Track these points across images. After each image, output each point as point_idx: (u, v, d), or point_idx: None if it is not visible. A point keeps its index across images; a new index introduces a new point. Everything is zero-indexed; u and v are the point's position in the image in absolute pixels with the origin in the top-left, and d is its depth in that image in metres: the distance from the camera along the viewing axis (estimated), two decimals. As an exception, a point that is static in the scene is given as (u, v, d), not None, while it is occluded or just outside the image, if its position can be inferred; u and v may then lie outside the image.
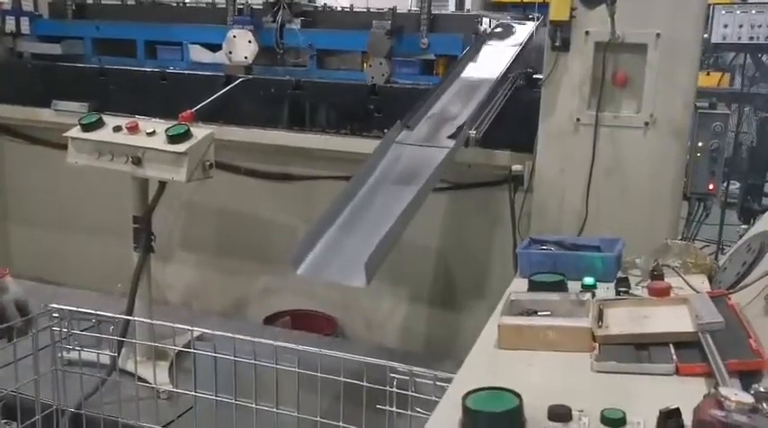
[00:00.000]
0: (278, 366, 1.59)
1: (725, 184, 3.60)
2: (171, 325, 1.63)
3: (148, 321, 1.79)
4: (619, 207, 2.11)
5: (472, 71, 2.58)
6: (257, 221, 2.99)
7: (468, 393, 0.93)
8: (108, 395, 1.84)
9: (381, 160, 2.26)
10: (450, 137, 2.26)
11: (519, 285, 1.41)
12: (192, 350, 1.64)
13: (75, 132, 2.23)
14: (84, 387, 1.81)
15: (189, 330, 1.67)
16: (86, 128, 2.22)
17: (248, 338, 1.60)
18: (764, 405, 0.84)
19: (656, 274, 1.38)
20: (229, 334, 1.60)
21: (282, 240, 2.82)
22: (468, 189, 2.66)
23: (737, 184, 3.84)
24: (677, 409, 0.86)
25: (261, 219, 2.99)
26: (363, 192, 2.18)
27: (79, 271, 3.17)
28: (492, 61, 2.59)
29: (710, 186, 2.13)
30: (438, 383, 1.45)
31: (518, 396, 0.91)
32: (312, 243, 1.98)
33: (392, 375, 1.51)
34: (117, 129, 2.19)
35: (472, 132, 2.20)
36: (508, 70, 2.47)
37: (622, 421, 0.88)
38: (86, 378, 1.80)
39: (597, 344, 1.09)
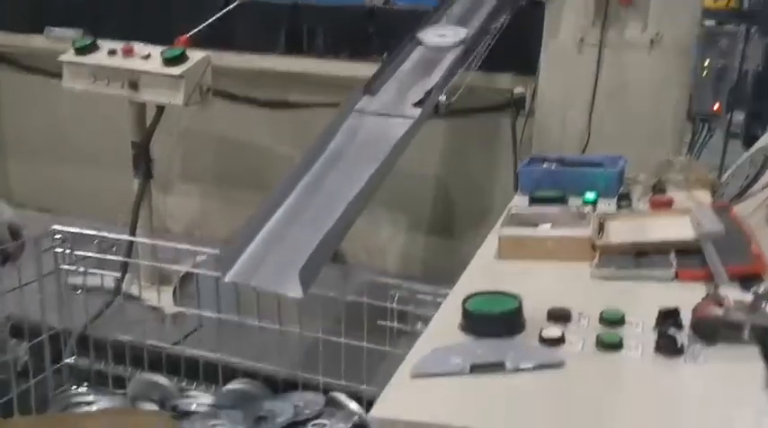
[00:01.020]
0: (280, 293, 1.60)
1: (728, 116, 3.55)
2: (174, 245, 1.65)
3: (152, 242, 1.80)
4: (622, 129, 2.09)
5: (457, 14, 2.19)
6: (256, 150, 2.97)
7: (468, 297, 0.93)
8: (113, 318, 1.87)
9: (336, 134, 1.90)
10: (416, 104, 1.90)
11: (519, 202, 1.41)
12: (196, 270, 1.65)
13: (70, 56, 2.20)
14: (89, 310, 1.85)
15: (192, 252, 1.68)
16: (80, 51, 2.18)
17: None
18: (764, 304, 0.84)
19: (659, 189, 1.37)
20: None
21: (281, 169, 2.80)
22: (468, 114, 2.63)
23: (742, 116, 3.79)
24: (676, 309, 0.87)
25: (260, 148, 2.97)
26: (313, 173, 1.82)
27: (80, 202, 3.16)
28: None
29: (715, 106, 2.10)
30: (438, 299, 1.46)
31: (517, 298, 0.92)
32: (245, 242, 1.60)
33: (393, 292, 1.53)
34: (112, 52, 2.15)
35: (442, 97, 1.86)
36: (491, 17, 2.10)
37: (621, 320, 0.89)
38: (91, 302, 1.83)
39: (597, 254, 1.09)
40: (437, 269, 3.07)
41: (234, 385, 1.70)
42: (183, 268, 1.69)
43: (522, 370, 0.81)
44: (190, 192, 3.10)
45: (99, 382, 1.74)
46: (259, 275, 1.51)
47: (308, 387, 1.64)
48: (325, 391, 1.62)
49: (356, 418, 1.52)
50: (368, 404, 1.54)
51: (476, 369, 0.81)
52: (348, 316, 1.62)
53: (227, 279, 1.49)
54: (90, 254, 1.68)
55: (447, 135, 2.68)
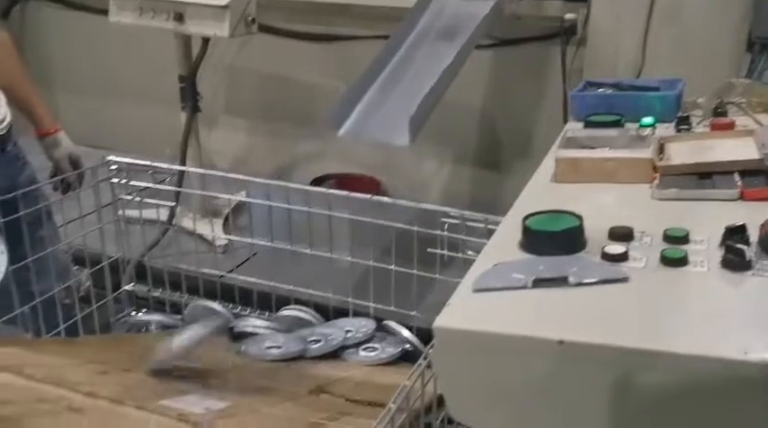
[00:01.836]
0: (331, 213, 1.62)
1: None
2: (225, 174, 1.67)
3: (203, 171, 1.82)
4: (678, 54, 2.03)
5: None
6: (301, 84, 2.96)
7: (528, 215, 0.93)
8: (169, 248, 1.92)
9: (422, 15, 2.19)
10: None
11: (574, 127, 1.39)
12: (247, 198, 1.68)
13: (116, -11, 2.20)
14: (146, 240, 1.90)
15: (241, 183, 1.70)
16: (127, -16, 2.18)
17: (300, 186, 1.64)
18: (833, 220, 0.82)
19: (720, 111, 1.33)
20: (283, 183, 1.63)
21: (326, 103, 2.80)
22: (516, 44, 2.57)
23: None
24: (743, 225, 0.85)
25: (304, 82, 2.96)
26: (404, 49, 2.13)
27: (127, 138, 3.22)
28: None
29: (776, 30, 2.01)
30: (489, 226, 1.46)
31: (579, 216, 0.91)
32: (353, 103, 1.96)
33: (443, 220, 1.53)
34: (157, -16, 2.15)
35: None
36: None
37: (686, 238, 0.88)
38: (147, 232, 1.88)
39: (658, 175, 1.07)
40: (482, 203, 3.04)
41: (286, 312, 1.74)
42: (236, 197, 1.71)
43: (586, 284, 0.81)
44: (236, 128, 3.13)
45: (157, 309, 1.79)
46: (367, 129, 1.88)
47: (358, 314, 1.67)
48: (376, 318, 1.65)
49: (407, 345, 1.55)
50: (417, 330, 1.58)
51: (538, 283, 0.82)
52: (398, 245, 1.63)
53: (340, 134, 1.85)
54: (145, 184, 1.72)
55: (494, 66, 2.63)
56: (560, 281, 0.81)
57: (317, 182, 2.96)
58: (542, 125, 2.59)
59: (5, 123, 1.64)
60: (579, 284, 0.81)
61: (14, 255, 1.38)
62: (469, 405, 0.78)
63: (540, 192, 1.11)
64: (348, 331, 1.58)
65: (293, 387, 1.21)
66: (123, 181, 1.69)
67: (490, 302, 0.80)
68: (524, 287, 0.82)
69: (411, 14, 2.16)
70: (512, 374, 0.75)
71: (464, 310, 0.79)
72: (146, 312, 1.74)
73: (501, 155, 2.78)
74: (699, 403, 0.70)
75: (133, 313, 1.79)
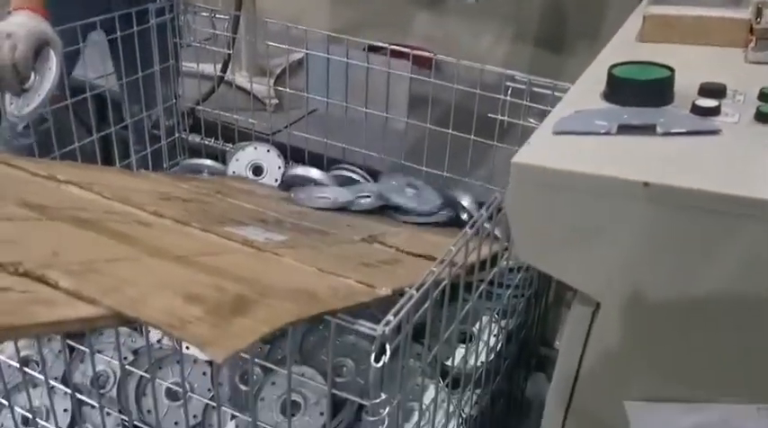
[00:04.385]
0: (390, 71, 1.58)
1: None
2: (285, 23, 1.63)
3: (266, 20, 1.78)
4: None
5: None
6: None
7: (615, 65, 0.89)
8: (222, 102, 1.90)
9: None
10: None
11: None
12: (306, 50, 1.64)
13: None
14: (201, 91, 1.89)
15: (298, 40, 1.65)
16: None
17: (361, 39, 1.59)
18: None
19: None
20: (343, 35, 1.59)
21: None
22: None
23: None
24: None
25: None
26: None
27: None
28: None
29: None
30: (557, 94, 1.41)
31: (670, 68, 0.86)
32: None
33: (507, 84, 1.49)
34: None
35: None
36: None
37: (783, 98, 0.84)
38: (203, 84, 1.87)
39: (754, 38, 1.01)
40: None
41: (337, 171, 1.73)
42: (294, 49, 1.67)
43: (674, 133, 0.78)
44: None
45: (208, 157, 1.80)
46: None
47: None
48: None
49: (460, 212, 1.54)
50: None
51: (624, 130, 0.78)
52: (456, 111, 1.59)
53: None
54: (202, 29, 1.68)
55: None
56: (647, 130, 0.78)
57: (371, 51, 2.88)
58: (613, 6, 2.45)
59: None
60: (667, 133, 0.78)
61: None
62: (539, 247, 0.77)
63: (625, 50, 1.05)
64: (397, 190, 1.57)
65: (346, 234, 1.22)
66: (181, 22, 1.65)
67: (571, 144, 0.77)
68: (608, 133, 0.78)
69: None
70: (588, 216, 0.73)
71: (544, 149, 0.77)
72: (198, 157, 1.75)
73: (565, 35, 2.65)
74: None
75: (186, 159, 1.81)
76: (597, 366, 0.79)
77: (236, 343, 0.53)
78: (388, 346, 0.75)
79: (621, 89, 0.85)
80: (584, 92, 0.90)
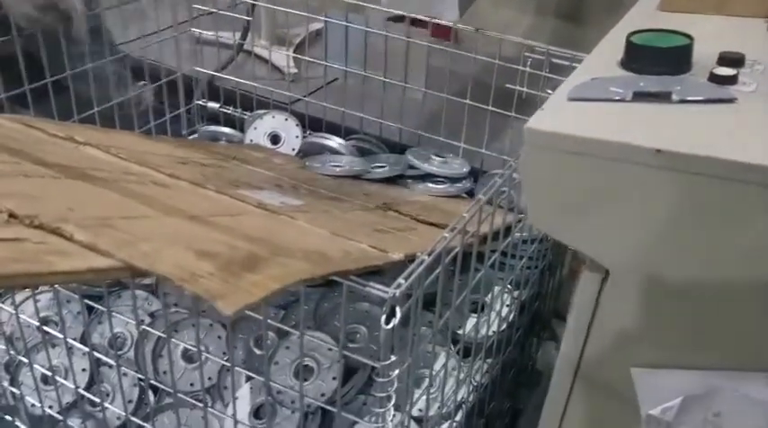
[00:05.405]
0: (409, 39, 1.57)
1: None
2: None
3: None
4: None
5: None
6: None
7: (634, 32, 0.88)
8: (241, 72, 1.91)
9: None
10: None
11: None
12: (325, 18, 1.63)
13: None
14: (220, 58, 1.90)
15: (315, 10, 1.65)
16: None
17: (382, 8, 1.58)
18: None
19: None
20: (362, 3, 1.58)
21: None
22: None
23: None
24: None
25: None
26: None
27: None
28: None
29: None
30: (575, 65, 1.40)
31: (689, 36, 0.85)
32: None
33: (526, 54, 1.47)
34: None
35: None
36: None
37: (803, 68, 0.83)
38: (222, 53, 1.87)
39: (776, 8, 0.99)
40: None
41: (353, 142, 1.74)
42: (312, 16, 1.67)
43: (690, 101, 0.77)
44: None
45: (227, 125, 1.81)
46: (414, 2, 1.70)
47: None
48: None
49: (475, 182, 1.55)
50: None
51: (639, 97, 0.78)
52: (475, 83, 1.58)
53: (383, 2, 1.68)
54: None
55: None
56: (663, 97, 0.78)
57: (392, 21, 2.87)
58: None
59: None
60: (683, 101, 0.77)
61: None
62: (551, 213, 0.77)
63: (645, 18, 1.04)
64: (424, 157, 1.57)
65: (362, 201, 1.23)
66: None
67: (586, 110, 0.77)
68: (623, 100, 0.78)
69: None
70: (600, 182, 0.73)
71: (558, 115, 0.76)
72: (217, 125, 1.77)
73: (586, 7, 2.62)
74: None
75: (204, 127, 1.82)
76: (605, 333, 0.80)
77: (247, 298, 0.54)
78: (398, 309, 0.76)
79: (639, 57, 0.84)
80: (602, 60, 0.89)
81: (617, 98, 0.78)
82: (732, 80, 0.80)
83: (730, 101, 0.77)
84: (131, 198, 0.73)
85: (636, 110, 0.77)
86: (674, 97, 0.77)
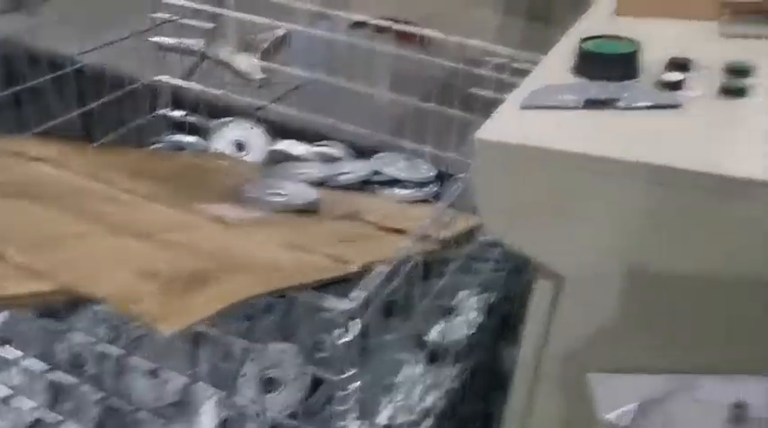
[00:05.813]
0: (375, 44, 1.57)
1: None
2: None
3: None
4: None
5: None
6: None
7: (586, 38, 0.88)
8: (206, 79, 1.89)
9: None
10: None
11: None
12: (291, 25, 1.63)
13: None
14: (183, 66, 1.87)
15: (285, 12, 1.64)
16: None
17: (347, 14, 1.57)
18: None
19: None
20: (331, 8, 1.58)
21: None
22: None
23: None
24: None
25: None
26: None
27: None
28: None
29: None
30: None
31: (636, 42, 0.86)
32: None
33: (488, 59, 1.48)
34: None
35: None
36: None
37: (748, 71, 0.83)
38: (185, 60, 1.85)
39: (726, 11, 1.00)
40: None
41: (318, 148, 1.73)
42: (276, 23, 1.66)
43: (637, 108, 0.77)
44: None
45: (192, 134, 1.80)
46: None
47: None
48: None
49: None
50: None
51: (589, 104, 0.78)
52: (441, 88, 1.58)
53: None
54: (183, 3, 1.67)
55: None
56: (610, 104, 0.78)
57: (356, 27, 2.86)
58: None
59: None
60: (628, 108, 0.77)
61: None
62: (504, 221, 0.78)
63: (600, 23, 1.04)
64: (389, 162, 1.57)
65: (325, 210, 1.22)
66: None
67: (537, 119, 0.77)
68: (576, 107, 0.78)
69: None
70: (552, 192, 0.73)
71: (509, 124, 0.77)
72: (181, 134, 1.75)
73: (556, 6, 2.63)
74: (745, 229, 0.68)
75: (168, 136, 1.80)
76: (561, 339, 0.80)
77: (188, 319, 0.54)
78: (354, 322, 0.76)
79: (590, 63, 0.85)
80: (555, 65, 0.90)
81: (570, 106, 0.78)
82: (678, 86, 0.80)
83: (675, 106, 0.77)
84: (77, 216, 0.71)
85: (587, 117, 0.77)
86: (621, 104, 0.78)
